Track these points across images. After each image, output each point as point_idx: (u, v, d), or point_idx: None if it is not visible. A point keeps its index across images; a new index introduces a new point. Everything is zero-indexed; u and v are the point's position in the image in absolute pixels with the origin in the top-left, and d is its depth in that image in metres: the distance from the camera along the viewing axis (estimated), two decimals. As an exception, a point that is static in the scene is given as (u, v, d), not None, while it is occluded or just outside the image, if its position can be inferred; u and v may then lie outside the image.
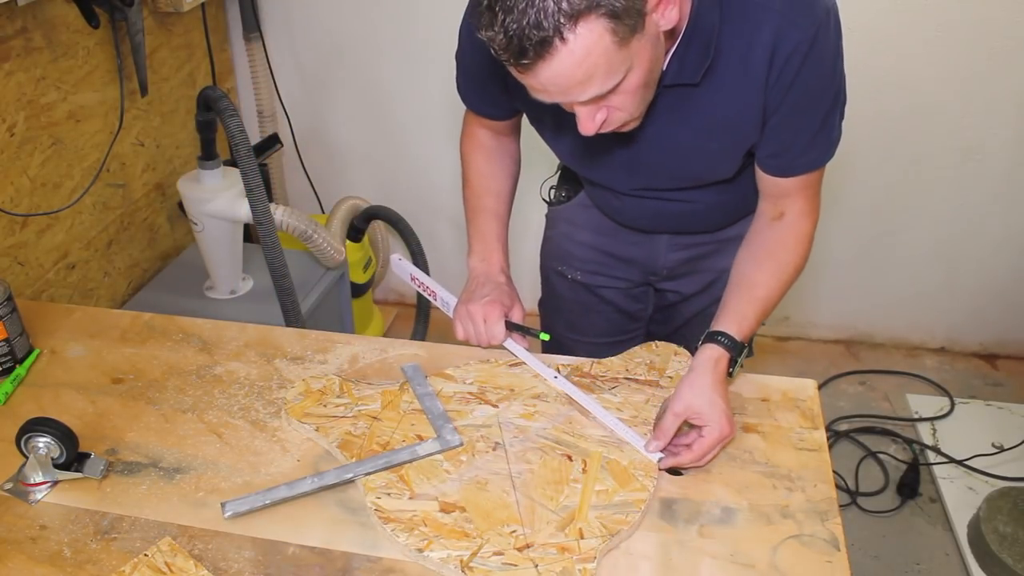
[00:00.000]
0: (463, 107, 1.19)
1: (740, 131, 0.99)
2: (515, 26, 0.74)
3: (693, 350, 1.04)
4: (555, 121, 1.07)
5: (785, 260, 1.04)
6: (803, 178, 1.02)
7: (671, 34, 0.91)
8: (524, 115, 1.18)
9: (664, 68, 0.93)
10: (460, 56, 1.12)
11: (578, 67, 0.78)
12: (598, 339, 1.40)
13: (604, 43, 0.77)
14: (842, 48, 0.95)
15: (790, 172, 1.01)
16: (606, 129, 0.90)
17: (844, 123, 1.03)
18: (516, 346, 1.12)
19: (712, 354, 0.98)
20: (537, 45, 0.75)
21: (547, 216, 1.40)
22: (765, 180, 1.04)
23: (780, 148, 0.99)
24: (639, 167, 1.08)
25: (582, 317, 1.40)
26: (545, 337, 1.12)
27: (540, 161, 1.36)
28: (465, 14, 1.05)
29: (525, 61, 0.77)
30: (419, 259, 2.21)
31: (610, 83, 0.82)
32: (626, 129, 0.94)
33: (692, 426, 0.97)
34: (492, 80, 1.08)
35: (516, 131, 1.24)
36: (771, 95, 0.94)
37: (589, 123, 0.87)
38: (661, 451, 0.96)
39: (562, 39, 0.75)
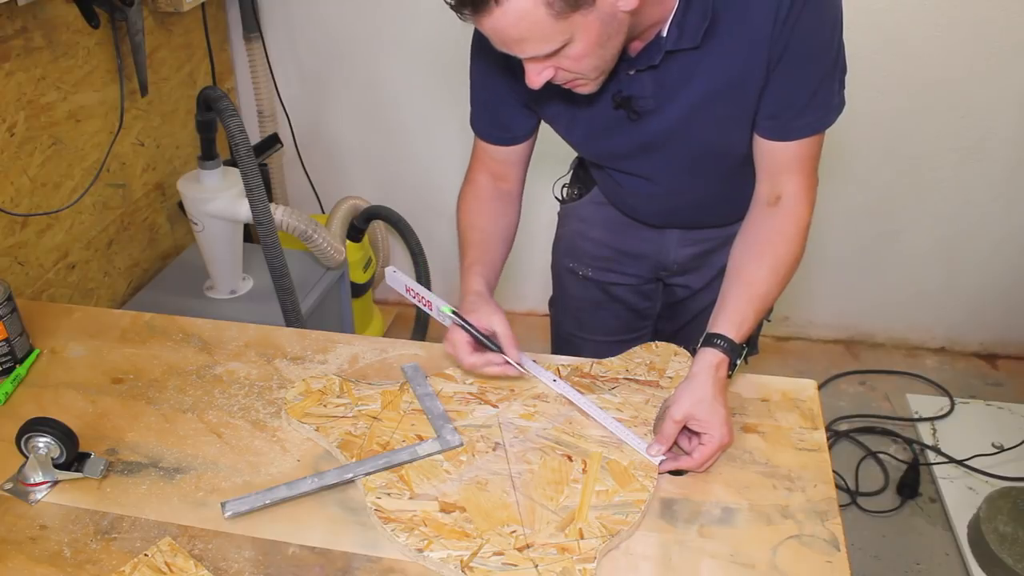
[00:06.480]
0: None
1: (745, 93, 0.99)
2: None
3: (696, 348, 1.03)
4: (568, 111, 1.08)
5: (784, 253, 1.03)
6: (800, 148, 1.01)
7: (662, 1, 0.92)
8: (531, 142, 1.18)
9: (664, 34, 0.95)
10: (472, 88, 1.15)
11: (511, 28, 0.84)
12: (607, 337, 1.41)
13: (538, 13, 0.82)
14: (842, 14, 0.96)
15: (787, 135, 1.01)
16: (558, 81, 0.94)
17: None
18: (514, 351, 1.11)
19: (712, 359, 0.98)
20: (475, 1, 0.82)
21: (559, 214, 1.41)
22: (762, 151, 1.04)
23: (778, 107, 0.99)
24: (654, 143, 1.08)
25: (592, 315, 1.41)
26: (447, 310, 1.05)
27: (553, 161, 1.37)
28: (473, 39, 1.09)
29: (465, 11, 0.84)
30: (419, 259, 2.21)
31: (546, 48, 0.87)
32: (582, 91, 0.97)
33: (691, 430, 0.97)
34: (503, 85, 1.09)
35: (518, 173, 1.21)
36: (774, 47, 0.94)
37: (534, 76, 0.92)
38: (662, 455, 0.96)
39: (496, 2, 0.81)
